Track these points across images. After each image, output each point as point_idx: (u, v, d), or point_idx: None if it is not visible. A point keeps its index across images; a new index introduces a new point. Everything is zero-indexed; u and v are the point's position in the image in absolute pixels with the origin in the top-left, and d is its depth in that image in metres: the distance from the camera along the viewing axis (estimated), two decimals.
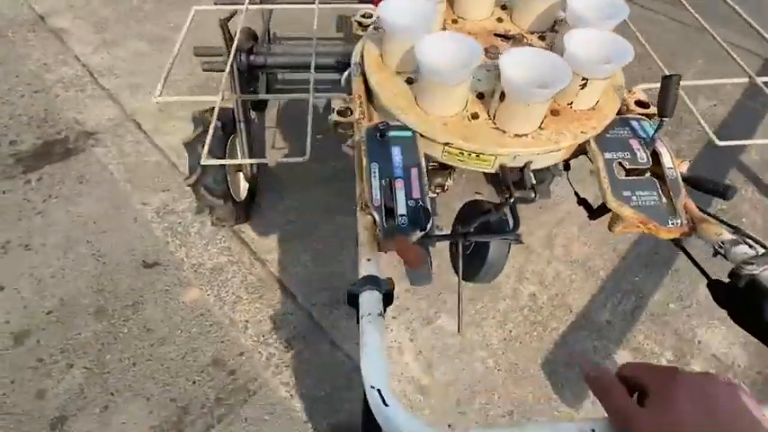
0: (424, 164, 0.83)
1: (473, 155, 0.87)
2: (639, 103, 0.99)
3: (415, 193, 0.79)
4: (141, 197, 2.01)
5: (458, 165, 0.91)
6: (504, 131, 0.87)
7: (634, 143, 0.88)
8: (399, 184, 0.80)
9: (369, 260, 0.70)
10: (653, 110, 0.97)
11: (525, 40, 1.09)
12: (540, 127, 0.88)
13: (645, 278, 1.89)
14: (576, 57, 0.83)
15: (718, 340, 1.72)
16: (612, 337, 1.73)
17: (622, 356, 1.69)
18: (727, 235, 0.75)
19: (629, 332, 1.74)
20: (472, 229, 0.93)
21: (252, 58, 1.63)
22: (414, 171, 0.82)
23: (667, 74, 0.83)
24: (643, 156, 0.86)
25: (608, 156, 0.86)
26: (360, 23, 1.19)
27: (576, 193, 1.11)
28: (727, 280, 0.74)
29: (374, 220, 0.76)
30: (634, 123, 0.93)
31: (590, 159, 0.90)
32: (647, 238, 1.90)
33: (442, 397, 1.54)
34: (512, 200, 0.85)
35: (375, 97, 0.97)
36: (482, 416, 1.52)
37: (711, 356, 1.69)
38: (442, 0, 1.06)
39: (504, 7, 1.20)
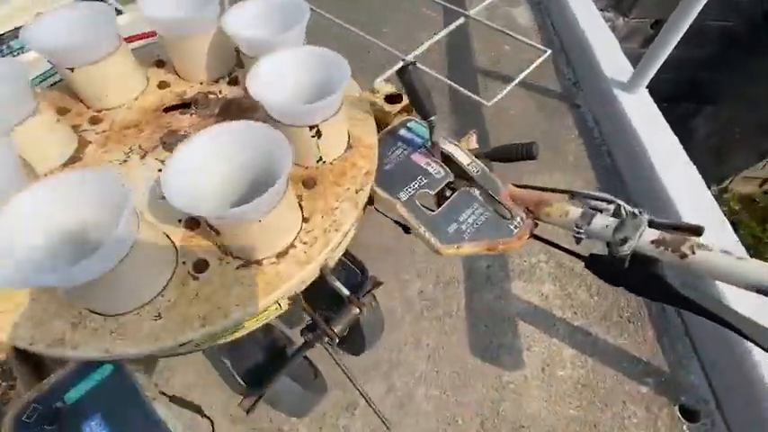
0: (166, 410, 0.45)
1: (238, 327, 0.52)
2: (391, 99, 0.77)
3: None
4: None
5: (224, 339, 0.55)
6: (260, 262, 0.53)
7: (419, 159, 0.66)
8: None
9: None
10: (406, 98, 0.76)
11: (212, 96, 0.75)
12: (304, 219, 0.57)
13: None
14: (282, 106, 0.54)
15: None
16: None
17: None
18: (573, 210, 0.59)
19: None
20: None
21: None
22: None
23: (401, 63, 0.61)
24: (438, 169, 0.64)
25: (403, 197, 0.61)
26: None
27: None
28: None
29: None
30: (403, 133, 0.70)
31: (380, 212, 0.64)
32: None
33: None
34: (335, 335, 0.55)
35: None
36: None
37: None
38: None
39: (160, 64, 0.81)
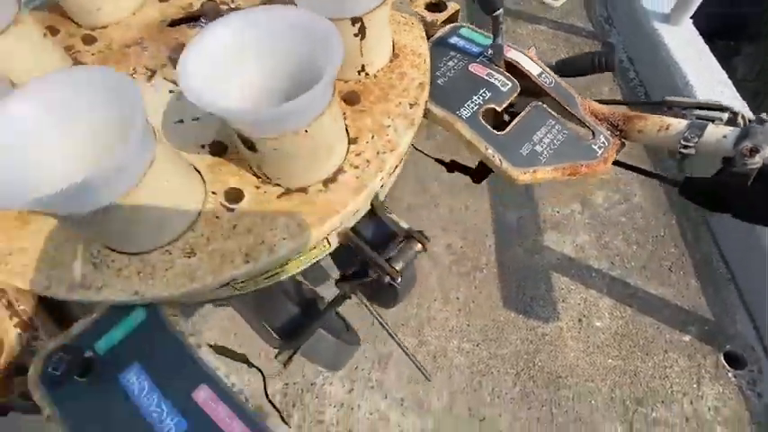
0: (209, 355, 0.38)
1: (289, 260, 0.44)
2: (433, 7, 0.64)
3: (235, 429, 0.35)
4: None
5: (262, 285, 0.47)
6: (305, 190, 0.44)
7: (478, 70, 0.55)
8: None
9: None
10: (455, 5, 0.64)
11: (224, 6, 0.62)
12: (351, 140, 0.47)
13: None
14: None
15: None
16: None
17: None
18: (676, 123, 0.48)
19: None
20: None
21: None
22: (202, 394, 0.36)
23: None
24: (504, 81, 0.53)
25: (465, 113, 0.51)
26: None
27: (440, 161, 0.77)
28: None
29: None
30: (455, 41, 0.58)
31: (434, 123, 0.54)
32: None
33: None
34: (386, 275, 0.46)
35: None
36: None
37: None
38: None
39: None
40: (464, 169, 0.73)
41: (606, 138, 0.51)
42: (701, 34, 1.80)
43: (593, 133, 0.51)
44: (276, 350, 0.73)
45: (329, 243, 0.45)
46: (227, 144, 0.46)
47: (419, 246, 0.45)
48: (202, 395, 0.35)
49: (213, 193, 0.43)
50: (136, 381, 0.36)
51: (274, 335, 0.75)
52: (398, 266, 0.44)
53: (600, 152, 0.50)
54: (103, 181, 0.31)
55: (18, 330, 0.41)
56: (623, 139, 0.52)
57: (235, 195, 0.42)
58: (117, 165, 0.31)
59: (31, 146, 0.35)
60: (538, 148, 0.49)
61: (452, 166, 0.74)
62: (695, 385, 1.34)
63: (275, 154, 0.37)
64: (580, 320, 1.48)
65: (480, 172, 0.70)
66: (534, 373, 1.40)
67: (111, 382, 0.36)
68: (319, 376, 1.40)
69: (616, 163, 0.55)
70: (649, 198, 1.68)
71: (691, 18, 1.81)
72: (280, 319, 0.74)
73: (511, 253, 1.61)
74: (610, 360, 1.40)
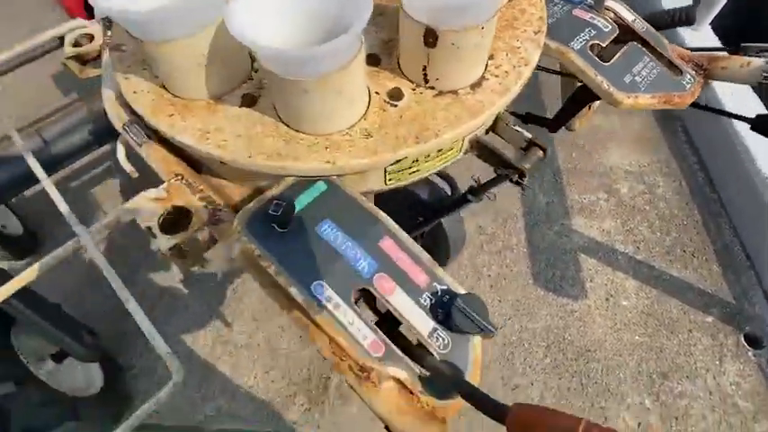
0: (387, 217, 0.45)
1: (431, 154, 0.51)
2: None
3: (419, 277, 0.42)
4: None
5: (408, 181, 0.55)
6: (456, 92, 0.51)
7: (581, 14, 0.63)
8: (385, 284, 0.41)
9: None
10: None
11: None
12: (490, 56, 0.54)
13: None
14: None
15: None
16: None
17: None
18: (756, 60, 0.57)
19: None
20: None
21: None
22: (386, 244, 0.43)
23: None
24: (605, 23, 0.62)
25: (576, 46, 0.59)
26: (78, 59, 0.67)
27: (515, 114, 0.85)
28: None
29: (400, 382, 0.37)
30: None
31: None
32: None
33: None
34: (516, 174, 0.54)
35: (209, 161, 0.52)
36: None
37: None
38: None
39: None
40: (540, 120, 0.81)
41: (692, 76, 0.59)
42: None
43: (681, 71, 0.60)
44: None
45: (461, 148, 0.52)
46: (381, 57, 0.53)
47: (540, 152, 0.52)
48: (387, 244, 0.42)
49: (376, 93, 0.50)
50: (330, 231, 0.42)
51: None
52: (526, 167, 0.51)
53: (688, 87, 0.58)
54: (333, 52, 0.38)
55: (203, 203, 0.47)
56: (707, 78, 0.60)
57: (396, 94, 0.49)
58: (348, 41, 0.38)
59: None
60: (637, 78, 0.57)
61: (528, 118, 0.82)
62: (717, 362, 1.41)
63: (451, 50, 0.44)
64: (607, 299, 1.55)
65: (556, 121, 0.78)
66: (564, 346, 1.46)
67: (308, 233, 0.42)
68: None
69: (696, 105, 0.63)
70: (672, 189, 1.77)
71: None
72: (431, 194, 0.85)
73: (540, 235, 1.69)
74: (636, 337, 1.47)
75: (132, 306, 0.51)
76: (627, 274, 1.59)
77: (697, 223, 1.69)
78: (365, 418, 1.32)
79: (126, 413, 1.29)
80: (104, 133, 0.87)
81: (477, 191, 0.64)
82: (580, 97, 0.65)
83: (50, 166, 0.84)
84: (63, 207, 0.58)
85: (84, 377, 1.20)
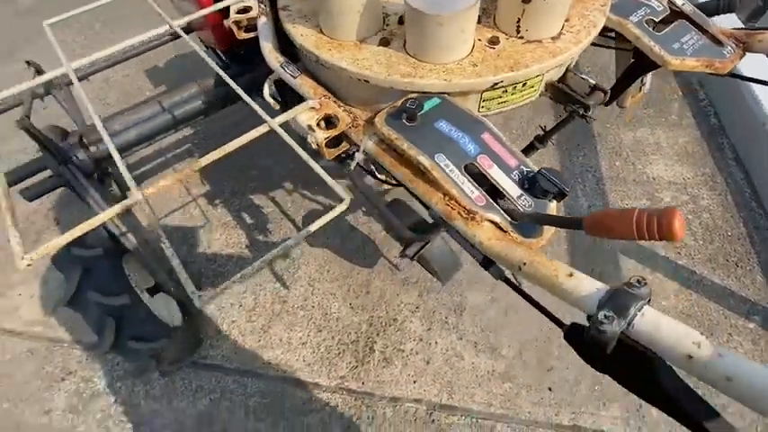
0: (487, 120, 0.60)
1: (517, 87, 0.67)
2: None
3: (511, 161, 0.56)
4: None
5: (495, 111, 0.70)
6: (540, 41, 0.68)
7: None
8: (486, 161, 0.56)
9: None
10: None
11: None
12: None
13: None
14: None
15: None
16: None
17: None
18: None
19: None
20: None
21: (92, 150, 1.16)
22: (486, 137, 0.58)
23: None
24: (658, 3, 0.77)
25: (633, 18, 0.74)
26: (239, 25, 0.87)
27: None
28: None
29: (496, 225, 0.51)
30: None
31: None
32: None
33: None
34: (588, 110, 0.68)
35: (348, 86, 0.69)
36: None
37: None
38: None
39: None
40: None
41: (732, 47, 0.73)
42: None
43: (723, 44, 0.73)
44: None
45: (539, 89, 0.68)
46: (481, 17, 0.71)
47: (602, 94, 0.66)
48: (487, 137, 0.57)
49: (479, 39, 0.67)
50: (445, 126, 0.58)
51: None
52: (590, 102, 0.65)
53: (728, 56, 0.72)
54: None
55: (344, 112, 0.65)
56: (745, 50, 0.73)
57: (494, 40, 0.66)
58: None
59: None
60: (684, 46, 0.71)
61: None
62: None
63: (542, 5, 0.61)
64: None
65: (611, 94, 0.91)
66: None
67: (429, 126, 0.58)
68: (400, 313, 1.55)
69: (734, 75, 0.76)
70: (716, 202, 1.81)
71: None
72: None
73: (580, 234, 1.77)
74: None
75: None
76: (667, 277, 1.63)
77: (742, 235, 1.72)
78: (407, 379, 1.42)
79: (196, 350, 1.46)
80: (214, 103, 1.12)
81: (543, 138, 0.78)
82: (633, 68, 0.79)
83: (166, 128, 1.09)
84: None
85: (167, 312, 1.38)
